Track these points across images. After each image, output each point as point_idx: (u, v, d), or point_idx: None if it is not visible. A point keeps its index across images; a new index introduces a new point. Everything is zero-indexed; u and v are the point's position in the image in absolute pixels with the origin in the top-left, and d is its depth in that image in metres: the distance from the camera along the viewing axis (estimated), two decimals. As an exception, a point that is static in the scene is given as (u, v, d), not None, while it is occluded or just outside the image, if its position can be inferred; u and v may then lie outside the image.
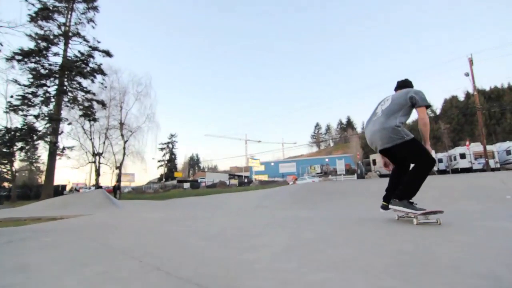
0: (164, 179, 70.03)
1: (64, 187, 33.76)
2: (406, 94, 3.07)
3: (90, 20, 22.34)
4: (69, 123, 22.14)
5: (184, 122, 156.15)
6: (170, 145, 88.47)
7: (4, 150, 18.58)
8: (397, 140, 2.94)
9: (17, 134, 17.42)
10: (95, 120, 24.26)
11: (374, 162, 34.41)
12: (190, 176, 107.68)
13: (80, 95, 21.69)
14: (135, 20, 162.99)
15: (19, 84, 18.97)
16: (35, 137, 18.21)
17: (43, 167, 64.95)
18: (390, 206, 3.09)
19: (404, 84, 3.37)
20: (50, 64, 20.38)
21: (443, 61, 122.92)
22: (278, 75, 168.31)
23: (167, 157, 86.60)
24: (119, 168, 28.95)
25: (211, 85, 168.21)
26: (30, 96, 19.30)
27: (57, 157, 23.10)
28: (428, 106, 3.00)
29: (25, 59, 19.42)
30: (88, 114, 23.02)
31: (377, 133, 3.11)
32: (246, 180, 43.10)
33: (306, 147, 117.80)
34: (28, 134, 17.94)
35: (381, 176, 27.79)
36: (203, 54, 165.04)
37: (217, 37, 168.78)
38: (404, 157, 3.14)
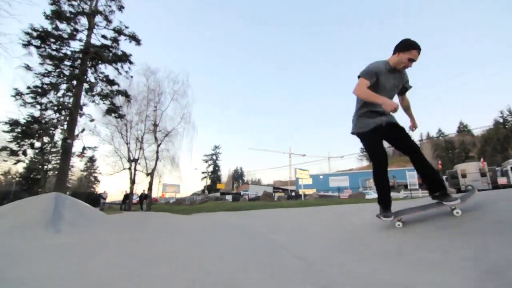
0: (207, 191, 66.88)
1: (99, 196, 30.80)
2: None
3: (120, 7, 19.22)
4: (92, 120, 18.75)
5: (229, 135, 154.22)
6: (214, 157, 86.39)
7: (13, 147, 15.55)
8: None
9: (24, 128, 14.25)
10: (121, 116, 20.75)
11: (464, 174, 25.87)
12: (234, 189, 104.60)
13: (101, 85, 18.23)
14: (175, 31, 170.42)
15: (37, 74, 16.04)
16: (40, 131, 14.81)
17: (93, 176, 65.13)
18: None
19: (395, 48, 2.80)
20: (73, 51, 17.32)
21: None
22: (324, 86, 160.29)
23: (210, 168, 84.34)
24: (150, 174, 25.15)
25: (254, 98, 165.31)
26: (47, 86, 16.25)
27: (79, 158, 19.83)
28: (359, 76, 2.73)
29: (45, 44, 16.52)
30: (113, 109, 19.53)
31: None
32: (293, 194, 37.00)
33: (354, 161, 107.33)
34: (32, 127, 14.75)
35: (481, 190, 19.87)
36: (245, 66, 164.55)
37: (257, 48, 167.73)
38: None
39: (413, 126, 3.00)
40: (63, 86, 17.26)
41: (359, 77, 2.73)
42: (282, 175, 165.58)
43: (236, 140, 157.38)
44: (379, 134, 2.74)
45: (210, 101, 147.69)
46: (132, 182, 28.77)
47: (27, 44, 16.37)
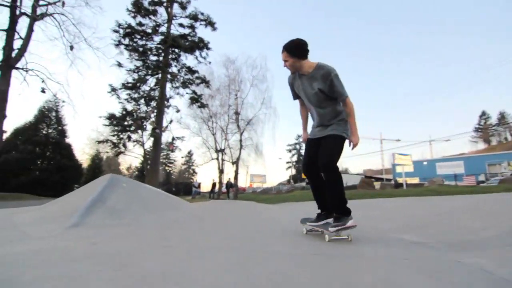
0: (292, 181, 65.46)
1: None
2: None
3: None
4: (178, 110, 19.06)
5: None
6: (298, 146, 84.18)
7: (114, 140, 16.87)
8: None
9: (118, 120, 15.18)
10: (203, 105, 20.61)
11: None
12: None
13: (183, 73, 18.17)
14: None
15: (128, 70, 16.96)
16: (132, 124, 15.49)
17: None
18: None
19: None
20: (155, 44, 17.73)
21: None
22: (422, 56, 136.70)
23: (294, 158, 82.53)
24: (235, 163, 24.77)
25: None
26: (136, 82, 17.03)
27: (170, 148, 20.56)
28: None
29: (131, 41, 17.30)
30: (195, 98, 19.43)
31: None
32: (393, 183, 31.68)
33: (466, 144, 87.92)
34: (124, 119, 15.54)
35: None
36: (326, 44, 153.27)
37: (338, 22, 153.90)
38: None
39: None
40: (151, 81, 17.92)
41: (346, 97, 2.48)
42: (372, 163, 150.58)
43: None
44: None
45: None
46: (220, 171, 29.31)
47: (118, 44, 17.42)
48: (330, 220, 2.47)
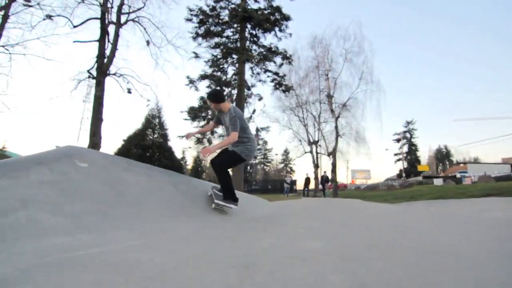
0: (404, 175, 55.08)
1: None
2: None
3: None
4: (260, 98, 16.81)
5: (423, 107, 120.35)
6: (408, 135, 71.15)
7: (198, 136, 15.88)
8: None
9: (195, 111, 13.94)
10: (288, 89, 17.65)
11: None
12: (439, 172, 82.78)
13: (260, 52, 15.76)
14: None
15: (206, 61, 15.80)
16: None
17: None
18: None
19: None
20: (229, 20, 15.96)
21: None
22: None
23: (404, 149, 69.87)
24: (332, 154, 20.79)
25: (455, 53, 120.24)
26: (215, 71, 15.67)
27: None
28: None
29: (207, 28, 16.06)
30: (278, 82, 16.73)
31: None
32: None
33: None
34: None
35: None
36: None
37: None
38: None
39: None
40: (229, 70, 16.29)
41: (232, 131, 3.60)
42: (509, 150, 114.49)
43: (432, 111, 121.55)
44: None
45: (391, 61, 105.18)
46: (315, 166, 25.79)
47: (195, 37, 16.46)
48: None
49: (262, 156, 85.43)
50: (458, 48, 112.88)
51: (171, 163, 25.92)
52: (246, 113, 16.23)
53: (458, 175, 45.87)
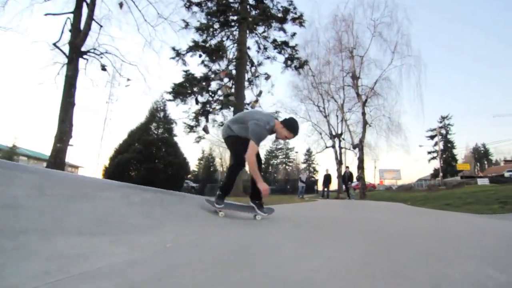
0: (441, 175, 48.84)
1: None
2: (251, 120, 3.03)
3: None
4: (267, 77, 13.39)
5: (460, 103, 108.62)
6: (443, 131, 63.86)
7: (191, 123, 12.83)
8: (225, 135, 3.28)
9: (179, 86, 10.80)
10: (302, 65, 13.99)
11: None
12: (477, 172, 74.21)
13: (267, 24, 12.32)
14: None
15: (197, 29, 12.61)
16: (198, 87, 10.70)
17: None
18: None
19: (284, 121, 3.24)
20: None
21: None
22: None
23: (440, 146, 62.61)
24: (357, 146, 16.79)
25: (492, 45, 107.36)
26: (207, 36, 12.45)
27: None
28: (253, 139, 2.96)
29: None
30: (291, 56, 13.23)
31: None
32: None
33: None
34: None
35: None
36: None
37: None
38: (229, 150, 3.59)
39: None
40: (228, 44, 13.00)
41: (253, 139, 2.96)
42: None
43: (469, 107, 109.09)
44: None
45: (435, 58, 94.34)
46: (339, 162, 21.91)
47: (189, 5, 13.42)
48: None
49: (284, 156, 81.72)
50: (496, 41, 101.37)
51: (176, 159, 23.25)
52: (250, 95, 12.92)
53: (507, 174, 39.40)
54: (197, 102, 12.09)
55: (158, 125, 24.85)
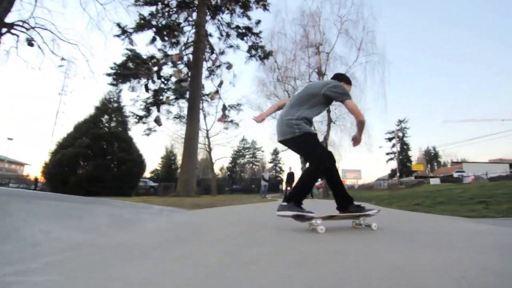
0: (398, 175, 51.33)
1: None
2: (322, 87, 2.59)
3: None
4: (229, 66, 12.17)
5: (414, 108, 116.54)
6: (400, 133, 67.69)
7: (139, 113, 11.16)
8: (288, 135, 2.56)
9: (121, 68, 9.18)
10: (266, 55, 13.03)
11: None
12: (428, 172, 79.97)
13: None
14: None
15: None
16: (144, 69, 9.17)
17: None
18: (276, 213, 2.46)
19: (335, 77, 2.84)
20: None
21: None
22: None
23: (397, 148, 66.24)
24: (323, 144, 16.31)
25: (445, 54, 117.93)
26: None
27: (220, 122, 13.96)
28: (348, 97, 2.57)
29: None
30: (254, 45, 12.17)
31: (277, 125, 2.72)
32: None
33: None
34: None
35: None
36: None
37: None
38: (300, 153, 3.08)
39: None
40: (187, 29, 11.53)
41: (346, 97, 2.58)
42: (499, 151, 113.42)
43: (421, 112, 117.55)
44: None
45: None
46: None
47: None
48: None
49: (251, 155, 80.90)
50: (448, 48, 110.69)
51: (129, 155, 21.03)
52: (211, 86, 11.62)
53: (456, 175, 42.48)
54: (147, 89, 10.52)
55: (111, 117, 22.38)
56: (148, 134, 13.00)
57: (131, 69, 9.37)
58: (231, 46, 13.37)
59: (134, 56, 9.59)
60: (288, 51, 19.19)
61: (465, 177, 35.51)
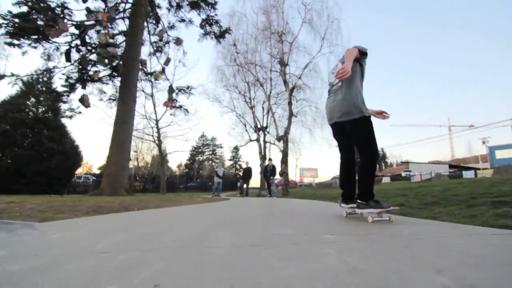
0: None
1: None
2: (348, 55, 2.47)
3: None
4: (177, 42, 10.20)
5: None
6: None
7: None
8: (356, 115, 2.46)
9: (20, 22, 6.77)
10: (222, 34, 11.32)
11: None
12: (377, 172, 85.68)
13: None
14: None
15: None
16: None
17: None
18: (357, 211, 2.49)
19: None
20: None
21: None
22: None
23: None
24: (282, 139, 15.05)
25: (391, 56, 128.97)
26: None
27: (167, 107, 12.01)
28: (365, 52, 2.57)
29: None
30: (208, 19, 10.38)
31: (338, 104, 2.56)
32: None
33: None
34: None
35: None
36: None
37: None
38: (357, 135, 2.56)
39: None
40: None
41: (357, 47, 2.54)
42: (438, 154, 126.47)
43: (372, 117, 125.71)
44: None
45: None
46: (263, 157, 20.21)
47: None
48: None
49: (211, 152, 78.12)
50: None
51: (60, 146, 17.67)
52: (152, 64, 9.53)
53: (404, 174, 45.26)
54: (68, 58, 8.06)
55: (39, 101, 18.67)
56: (70, 117, 10.46)
57: (35, 21, 6.78)
58: (182, 20, 11.43)
59: (38, 6, 6.98)
60: (249, 34, 17.80)
61: (412, 176, 37.82)
